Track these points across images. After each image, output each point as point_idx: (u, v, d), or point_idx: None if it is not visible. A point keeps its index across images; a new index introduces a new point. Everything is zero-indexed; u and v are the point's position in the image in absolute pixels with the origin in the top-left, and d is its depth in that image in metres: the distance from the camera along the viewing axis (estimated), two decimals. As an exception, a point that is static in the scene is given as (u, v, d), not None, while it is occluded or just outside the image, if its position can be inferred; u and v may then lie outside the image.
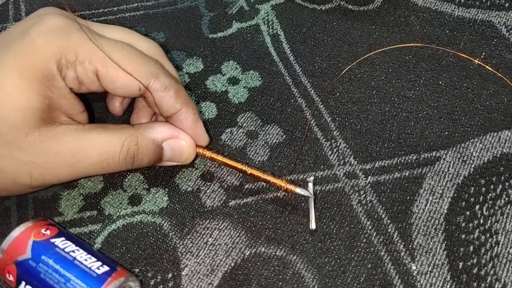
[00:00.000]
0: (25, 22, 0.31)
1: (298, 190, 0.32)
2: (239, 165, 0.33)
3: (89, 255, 0.28)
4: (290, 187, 0.32)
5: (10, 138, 0.28)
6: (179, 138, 0.33)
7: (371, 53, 0.40)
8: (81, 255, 0.28)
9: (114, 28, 0.33)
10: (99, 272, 0.28)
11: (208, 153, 0.34)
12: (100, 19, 0.45)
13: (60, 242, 0.29)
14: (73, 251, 0.28)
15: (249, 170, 0.33)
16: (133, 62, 0.30)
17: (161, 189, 0.34)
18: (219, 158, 0.34)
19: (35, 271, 0.28)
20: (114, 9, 0.46)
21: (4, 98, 0.28)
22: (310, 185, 0.32)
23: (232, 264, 0.31)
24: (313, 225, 0.32)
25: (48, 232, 0.29)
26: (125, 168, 0.32)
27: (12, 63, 0.28)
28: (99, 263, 0.28)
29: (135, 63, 0.30)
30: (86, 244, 0.30)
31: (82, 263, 0.28)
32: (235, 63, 0.41)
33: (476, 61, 0.39)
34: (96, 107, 0.39)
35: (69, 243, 0.29)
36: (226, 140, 0.36)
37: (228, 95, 0.39)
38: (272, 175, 0.33)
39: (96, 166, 0.31)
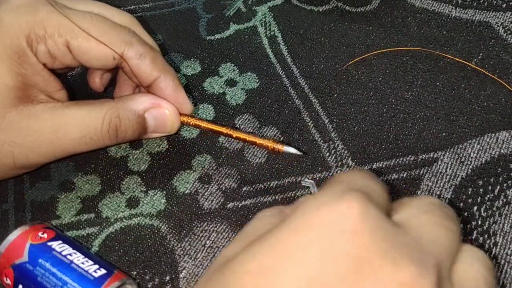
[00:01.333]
0: None
1: (286, 148, 0.32)
2: (224, 129, 0.33)
3: (86, 258, 0.28)
4: (278, 146, 0.32)
5: None
6: (161, 107, 0.32)
7: (368, 54, 0.41)
8: (78, 258, 0.28)
9: (85, 1, 0.33)
10: (96, 275, 0.28)
11: (192, 121, 0.34)
12: (98, 21, 0.45)
13: (57, 245, 0.29)
14: (70, 254, 0.28)
15: (235, 134, 0.33)
16: (104, 31, 0.30)
17: (158, 192, 0.34)
18: (204, 124, 0.33)
19: (32, 274, 0.28)
20: (112, 11, 0.46)
21: None
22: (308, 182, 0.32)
23: (230, 267, 0.31)
24: None
25: (45, 235, 0.29)
26: (109, 142, 0.31)
27: None
28: (96, 266, 0.28)
29: (107, 32, 0.30)
30: (83, 247, 0.30)
31: (79, 266, 0.28)
32: (233, 65, 0.41)
33: (471, 64, 0.39)
34: (77, 90, 0.38)
35: (66, 246, 0.29)
36: (224, 142, 0.36)
37: (226, 97, 0.39)
38: (259, 137, 0.33)
39: (78, 142, 0.30)
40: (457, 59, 0.40)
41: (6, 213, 0.34)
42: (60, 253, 0.28)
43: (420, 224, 0.20)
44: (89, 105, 0.31)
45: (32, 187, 0.35)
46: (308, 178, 0.34)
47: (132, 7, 0.46)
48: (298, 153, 0.31)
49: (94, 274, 0.28)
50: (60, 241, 0.29)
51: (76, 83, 0.40)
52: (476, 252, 0.21)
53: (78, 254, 0.29)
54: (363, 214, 0.18)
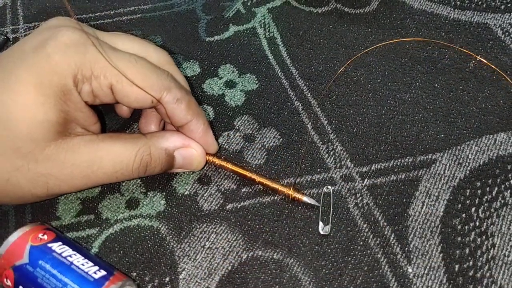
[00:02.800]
0: (38, 35, 0.30)
1: (305, 199, 0.33)
2: (247, 173, 0.34)
3: (86, 260, 0.29)
4: (298, 196, 0.33)
5: (26, 151, 0.29)
6: (190, 147, 0.33)
7: (367, 50, 0.41)
8: (78, 260, 0.28)
9: (124, 38, 0.33)
10: (96, 276, 0.28)
11: (217, 161, 0.34)
12: (97, 22, 0.45)
13: (57, 246, 0.29)
14: (70, 256, 0.29)
15: (258, 178, 0.34)
16: (146, 76, 0.31)
17: (158, 193, 0.34)
18: (229, 166, 0.34)
19: (33, 276, 0.28)
20: (111, 12, 0.46)
21: (22, 112, 0.28)
22: (326, 190, 0.33)
23: (229, 268, 0.31)
24: (327, 230, 0.32)
25: (45, 236, 0.29)
26: (137, 176, 0.32)
27: (29, 78, 0.29)
28: (96, 267, 0.28)
29: (148, 77, 0.31)
30: (83, 249, 0.30)
31: (79, 268, 0.28)
32: (232, 66, 0.41)
33: (478, 57, 0.39)
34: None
35: (66, 247, 0.29)
36: (223, 143, 0.37)
37: (225, 99, 0.39)
38: (279, 183, 0.33)
39: (110, 176, 0.31)
40: (463, 50, 0.40)
41: (6, 214, 0.34)
42: (60, 254, 0.28)
43: None
44: (123, 140, 0.31)
45: (32, 189, 0.35)
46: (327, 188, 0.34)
47: (132, 8, 0.46)
48: (317, 204, 0.33)
49: (94, 275, 0.28)
50: (60, 243, 0.29)
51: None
52: None
53: (78, 255, 0.29)
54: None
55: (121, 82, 0.30)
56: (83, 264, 0.28)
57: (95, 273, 0.28)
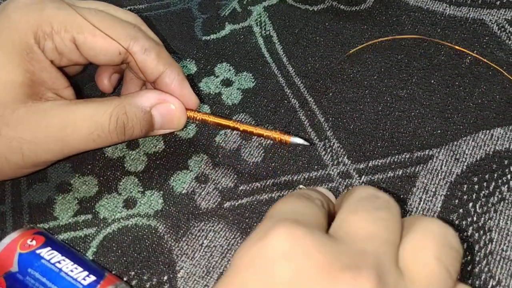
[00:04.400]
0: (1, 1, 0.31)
1: (292, 139, 0.32)
2: (231, 123, 0.33)
3: (75, 265, 0.28)
4: (284, 137, 0.32)
5: None
6: (167, 102, 0.33)
7: (362, 46, 0.41)
8: (67, 266, 0.28)
9: (89, 0, 0.33)
10: (85, 283, 0.27)
11: (198, 115, 0.34)
12: (93, 22, 0.45)
13: (46, 253, 0.28)
14: (59, 262, 0.28)
15: (242, 127, 0.33)
16: (110, 26, 0.30)
17: (156, 192, 0.34)
18: (211, 118, 0.34)
19: (23, 284, 0.27)
20: (107, 12, 0.46)
21: None
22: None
23: (228, 265, 0.31)
24: None
25: (34, 242, 0.29)
26: (117, 139, 0.32)
27: None
28: (86, 273, 0.28)
29: (112, 27, 0.30)
30: (74, 252, 0.29)
31: (68, 275, 0.28)
32: (228, 65, 0.41)
33: (473, 54, 0.39)
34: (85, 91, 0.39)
35: (55, 253, 0.29)
36: (221, 142, 0.36)
37: (222, 97, 0.39)
38: (264, 128, 0.33)
39: (86, 139, 0.30)
40: (456, 47, 0.40)
41: (4, 215, 0.34)
42: (49, 261, 0.28)
43: (351, 228, 0.20)
44: (97, 102, 0.31)
45: (29, 189, 0.35)
46: (302, 184, 0.34)
47: (127, 8, 0.46)
48: (305, 143, 0.32)
49: (83, 281, 0.27)
50: (49, 248, 0.29)
51: (85, 88, 0.40)
52: (429, 225, 0.21)
53: (68, 261, 0.28)
54: (291, 237, 0.19)
55: (83, 34, 0.30)
56: (72, 271, 0.28)
57: (84, 279, 0.28)
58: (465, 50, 0.40)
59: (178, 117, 0.33)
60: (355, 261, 0.19)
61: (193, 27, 0.44)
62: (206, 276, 0.30)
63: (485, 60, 0.39)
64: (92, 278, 0.28)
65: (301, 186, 0.34)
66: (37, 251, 0.28)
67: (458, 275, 0.20)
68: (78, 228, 0.33)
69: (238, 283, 0.19)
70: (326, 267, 0.18)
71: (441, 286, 0.20)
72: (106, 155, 0.36)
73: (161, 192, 0.34)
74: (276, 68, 0.41)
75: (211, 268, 0.31)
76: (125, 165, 0.36)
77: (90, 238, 0.32)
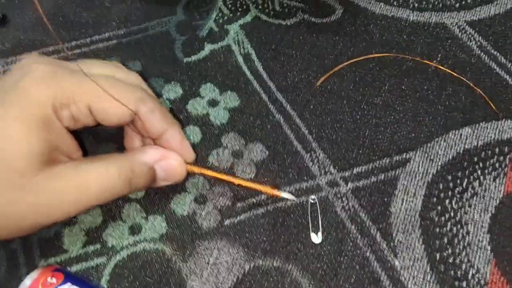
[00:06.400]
0: (14, 74, 0.32)
1: (284, 195, 0.35)
2: (226, 177, 0.36)
3: None
4: (275, 193, 0.35)
5: (18, 184, 0.30)
6: (169, 159, 0.35)
7: (343, 65, 0.43)
8: None
9: (94, 64, 0.35)
10: None
11: (196, 169, 0.36)
12: (75, 52, 0.46)
13: None
14: None
15: (237, 181, 0.36)
16: (120, 91, 0.33)
17: (158, 216, 0.36)
18: (208, 172, 0.36)
19: None
20: (87, 40, 0.47)
21: (9, 146, 0.30)
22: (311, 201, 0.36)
23: (235, 280, 0.33)
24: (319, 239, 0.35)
25: (54, 280, 0.31)
26: (123, 193, 0.34)
27: (11, 114, 0.31)
28: None
29: (123, 92, 0.33)
30: (91, 283, 0.31)
31: None
32: (212, 85, 0.43)
33: (433, 64, 0.42)
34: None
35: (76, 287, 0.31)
36: (214, 162, 0.39)
37: (210, 118, 0.41)
38: (258, 183, 0.36)
39: (99, 197, 0.33)
40: (419, 60, 0.43)
41: (15, 252, 0.35)
42: None
43: None
44: (105, 161, 0.33)
45: (35, 224, 0.36)
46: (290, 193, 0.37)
47: (106, 35, 0.48)
48: (293, 198, 0.36)
49: None
50: (69, 283, 0.31)
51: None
52: None
53: None
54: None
55: (97, 101, 0.32)
56: None
57: None
58: (426, 62, 0.43)
59: (179, 171, 0.36)
60: None
61: (174, 49, 0.46)
62: (216, 292, 0.33)
63: (444, 68, 0.42)
64: (114, 308, 0.30)
65: (312, 196, 0.37)
66: None
67: None
68: (89, 258, 0.35)
69: None
70: None
71: None
72: (106, 185, 0.38)
73: (164, 215, 0.36)
74: (258, 85, 0.43)
75: (219, 284, 0.33)
76: (126, 193, 0.38)
77: (102, 267, 0.34)
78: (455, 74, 0.41)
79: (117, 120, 0.33)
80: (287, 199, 0.36)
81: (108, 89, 0.32)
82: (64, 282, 0.31)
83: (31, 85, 0.31)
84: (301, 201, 0.36)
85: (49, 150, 0.31)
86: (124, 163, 0.33)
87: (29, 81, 0.31)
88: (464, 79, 0.42)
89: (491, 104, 0.40)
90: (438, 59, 0.43)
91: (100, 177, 0.32)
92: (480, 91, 0.41)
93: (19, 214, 0.31)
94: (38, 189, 0.30)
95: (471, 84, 0.41)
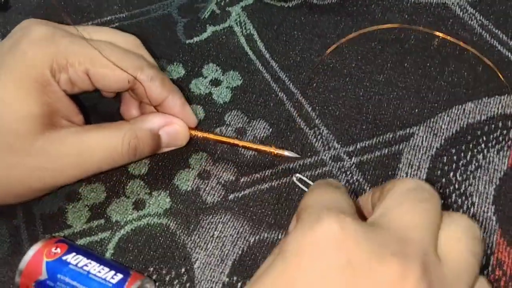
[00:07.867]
0: (12, 36, 0.32)
1: (286, 153, 0.36)
2: (230, 140, 0.36)
3: (102, 266, 0.30)
4: (279, 152, 0.36)
5: (18, 148, 0.30)
6: (173, 124, 0.36)
7: (343, 40, 0.43)
8: (94, 268, 0.30)
9: (92, 29, 0.36)
10: (114, 281, 0.29)
11: (200, 134, 0.37)
12: (77, 35, 0.46)
13: (72, 258, 0.30)
14: (86, 265, 0.30)
15: (241, 143, 0.36)
16: (119, 57, 0.33)
17: (162, 192, 0.36)
18: (211, 136, 0.37)
19: None
20: (89, 23, 0.47)
21: (6, 109, 0.30)
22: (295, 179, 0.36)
23: (240, 252, 0.33)
24: None
25: (58, 250, 0.31)
26: (129, 160, 0.34)
27: (9, 77, 0.31)
28: (113, 272, 0.30)
29: (121, 59, 0.33)
30: (96, 255, 0.31)
31: (96, 276, 0.30)
32: (215, 65, 0.43)
33: (440, 34, 0.42)
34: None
35: (81, 257, 0.31)
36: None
37: (213, 97, 0.41)
38: (261, 144, 0.36)
39: (101, 163, 0.33)
40: (423, 29, 0.43)
41: (18, 229, 0.35)
42: (76, 265, 0.30)
43: (397, 216, 0.22)
44: (108, 128, 0.33)
45: (39, 201, 0.36)
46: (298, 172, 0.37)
47: (108, 18, 0.48)
48: (297, 156, 0.36)
49: (112, 280, 0.30)
50: (73, 253, 0.31)
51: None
52: (460, 221, 0.23)
53: (93, 263, 0.30)
54: (342, 226, 0.21)
55: (95, 66, 0.32)
56: (99, 271, 0.30)
57: (112, 277, 0.30)
58: (431, 32, 0.43)
59: (183, 135, 0.36)
60: (401, 248, 0.20)
61: (176, 31, 0.46)
62: (221, 264, 0.33)
63: (450, 38, 0.42)
64: (120, 276, 0.30)
65: (297, 174, 0.36)
66: (63, 258, 0.30)
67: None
68: (93, 233, 0.35)
69: (293, 269, 0.20)
70: (375, 253, 0.20)
71: (471, 271, 0.22)
72: (109, 162, 0.38)
73: (167, 191, 0.36)
74: (260, 64, 0.43)
75: (224, 256, 0.33)
76: (129, 170, 0.37)
77: (106, 241, 0.34)
78: (462, 44, 0.41)
79: (115, 86, 0.33)
80: (290, 174, 0.36)
81: (107, 54, 0.32)
82: (68, 252, 0.30)
83: (28, 47, 0.31)
84: (306, 176, 0.36)
85: (49, 113, 0.31)
86: (128, 130, 0.33)
87: (27, 43, 0.31)
88: (472, 50, 0.41)
89: (501, 76, 0.40)
90: (441, 37, 0.43)
91: (103, 144, 0.32)
92: (490, 63, 0.41)
93: (21, 178, 0.31)
94: (40, 152, 0.30)
95: (479, 55, 0.40)
